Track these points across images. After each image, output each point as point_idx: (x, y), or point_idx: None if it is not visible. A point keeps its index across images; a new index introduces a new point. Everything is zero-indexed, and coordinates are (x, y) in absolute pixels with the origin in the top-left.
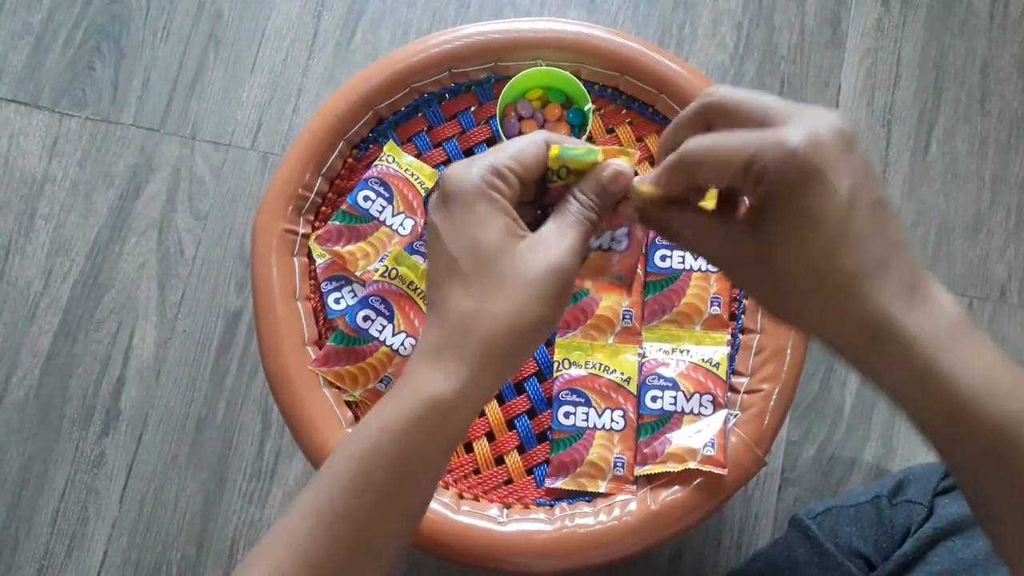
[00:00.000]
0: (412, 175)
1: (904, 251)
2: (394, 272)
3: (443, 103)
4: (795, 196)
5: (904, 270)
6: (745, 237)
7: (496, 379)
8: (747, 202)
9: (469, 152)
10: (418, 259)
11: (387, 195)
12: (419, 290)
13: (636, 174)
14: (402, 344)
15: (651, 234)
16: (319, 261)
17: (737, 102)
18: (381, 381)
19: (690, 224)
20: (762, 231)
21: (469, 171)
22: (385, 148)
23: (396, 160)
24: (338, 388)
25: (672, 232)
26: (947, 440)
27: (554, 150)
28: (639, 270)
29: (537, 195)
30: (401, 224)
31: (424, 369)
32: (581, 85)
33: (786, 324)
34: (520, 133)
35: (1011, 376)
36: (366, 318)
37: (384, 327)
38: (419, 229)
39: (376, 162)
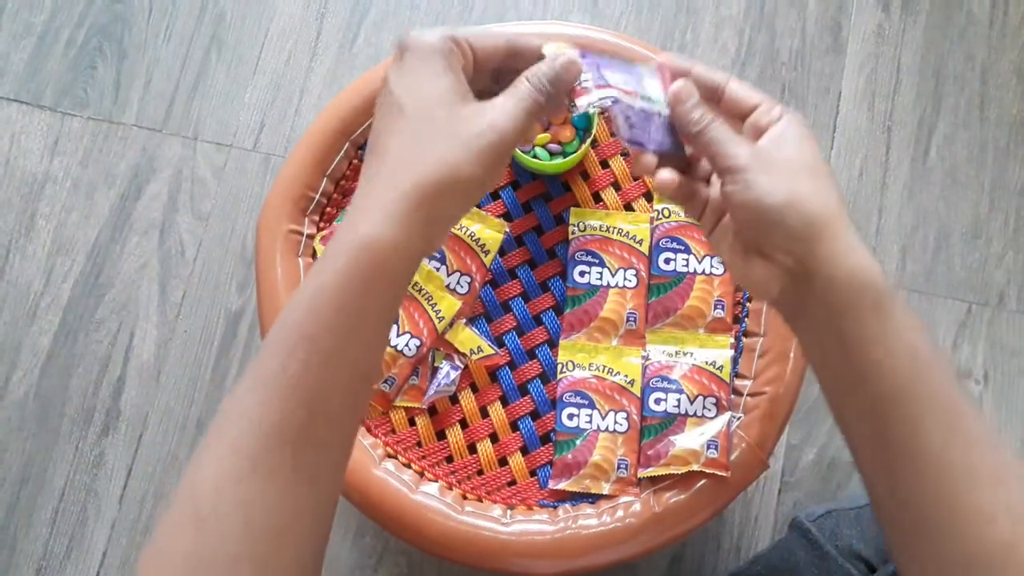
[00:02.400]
0: None
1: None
2: None
3: None
4: (796, 144)
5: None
6: (768, 146)
7: (426, 230)
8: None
9: None
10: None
11: None
12: (424, 291)
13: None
14: (406, 345)
15: (655, 238)
16: None
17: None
18: (386, 382)
19: (728, 129)
20: (779, 149)
21: (429, 32)
22: None
23: None
24: None
25: (711, 128)
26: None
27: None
28: (643, 273)
29: (487, 90)
30: None
31: (359, 217)
32: None
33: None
34: None
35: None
36: None
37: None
38: None
39: None
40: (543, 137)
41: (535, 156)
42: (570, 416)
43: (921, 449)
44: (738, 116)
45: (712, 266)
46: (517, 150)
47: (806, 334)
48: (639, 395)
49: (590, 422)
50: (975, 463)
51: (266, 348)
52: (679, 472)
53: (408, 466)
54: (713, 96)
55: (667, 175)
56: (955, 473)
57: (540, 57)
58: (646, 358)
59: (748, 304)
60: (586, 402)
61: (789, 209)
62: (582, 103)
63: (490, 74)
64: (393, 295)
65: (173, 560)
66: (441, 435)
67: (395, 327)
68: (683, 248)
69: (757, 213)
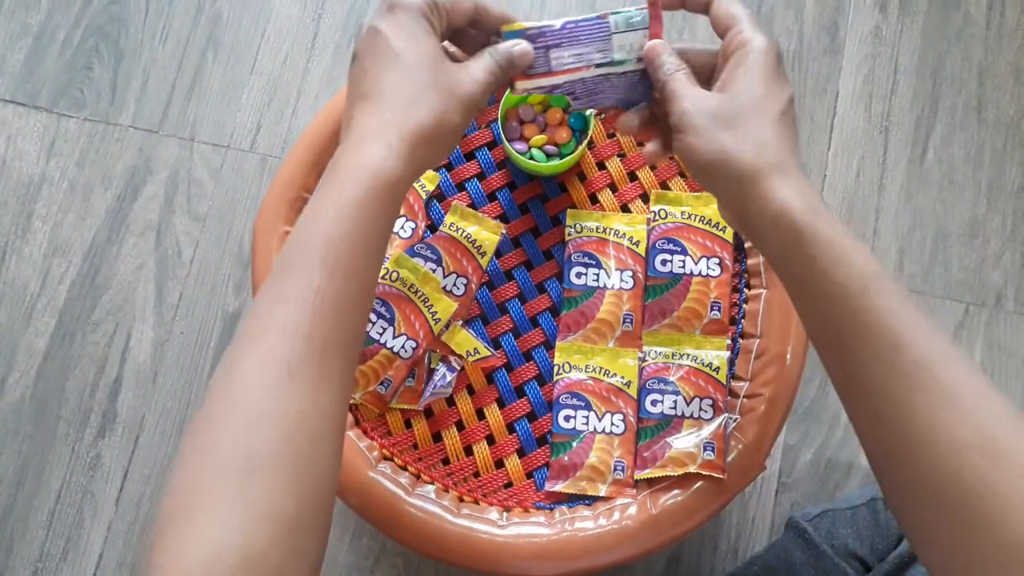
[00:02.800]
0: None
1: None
2: (395, 275)
3: None
4: (744, 80)
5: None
6: (711, 95)
7: (420, 166)
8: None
9: (471, 156)
10: (419, 262)
11: None
12: (420, 293)
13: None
14: (402, 347)
15: (652, 239)
16: None
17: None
18: (382, 384)
19: (683, 82)
20: (726, 89)
21: None
22: None
23: None
24: None
25: (670, 80)
26: (773, 244)
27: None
28: (640, 274)
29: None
30: (402, 227)
31: (365, 149)
32: None
33: (703, 162)
34: (521, 137)
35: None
36: None
37: (384, 330)
38: (420, 232)
39: None
40: (539, 139)
41: (532, 158)
42: (566, 418)
43: (862, 381)
44: (720, 36)
45: (708, 268)
46: (514, 152)
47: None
48: (636, 397)
49: (587, 424)
50: (914, 394)
51: (289, 265)
52: (676, 474)
53: (404, 468)
54: (706, 12)
55: (628, 118)
56: (897, 406)
57: (498, 33)
58: (643, 360)
59: (744, 306)
60: (582, 404)
61: (715, 168)
62: (519, 87)
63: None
64: (394, 216)
65: (222, 453)
66: (437, 437)
67: (391, 329)
68: (680, 249)
69: (693, 171)
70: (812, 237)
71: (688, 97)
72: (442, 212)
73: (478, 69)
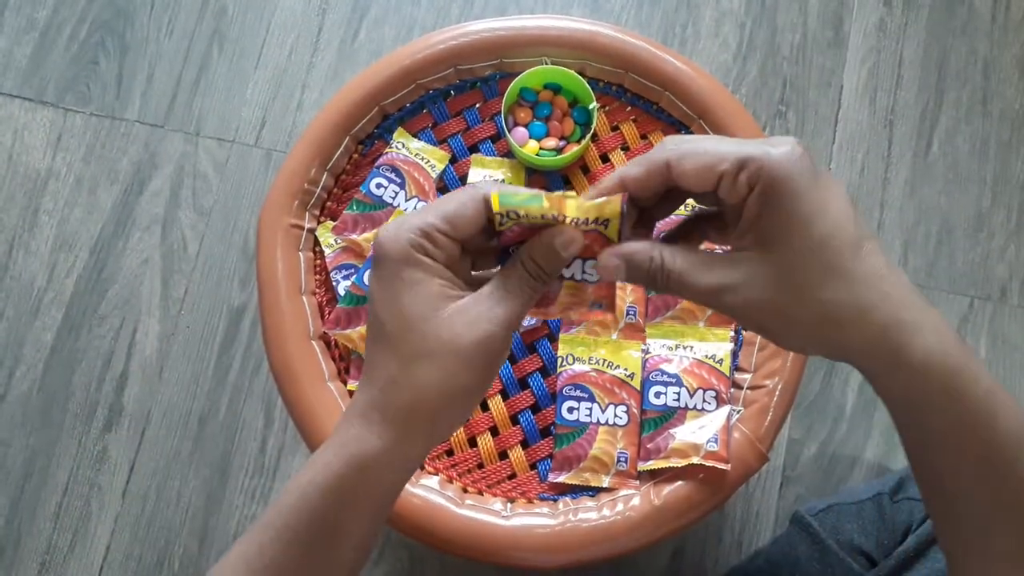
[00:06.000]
0: (422, 159)
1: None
2: None
3: (448, 99)
4: (799, 194)
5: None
6: (750, 256)
7: (425, 442)
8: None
9: (474, 148)
10: None
11: (399, 181)
12: None
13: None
14: None
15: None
16: (328, 251)
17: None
18: None
19: (688, 258)
20: (771, 240)
21: (398, 235)
22: (395, 134)
23: (406, 146)
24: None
25: (665, 272)
26: (885, 373)
27: (494, 197)
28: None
29: (492, 240)
30: (414, 208)
31: (353, 428)
32: (586, 84)
33: (797, 345)
34: (517, 121)
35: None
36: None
37: None
38: None
39: (387, 149)
40: (548, 141)
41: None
42: (570, 409)
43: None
44: (714, 189)
45: None
46: (516, 146)
47: None
48: (639, 388)
49: (590, 415)
50: None
51: (255, 528)
52: (679, 465)
53: None
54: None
55: (608, 258)
56: None
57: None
58: (646, 352)
59: None
60: (586, 395)
61: (818, 336)
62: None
63: (484, 232)
64: (382, 501)
65: None
66: None
67: None
68: None
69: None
70: (963, 386)
71: (728, 281)
72: None
73: (498, 299)
